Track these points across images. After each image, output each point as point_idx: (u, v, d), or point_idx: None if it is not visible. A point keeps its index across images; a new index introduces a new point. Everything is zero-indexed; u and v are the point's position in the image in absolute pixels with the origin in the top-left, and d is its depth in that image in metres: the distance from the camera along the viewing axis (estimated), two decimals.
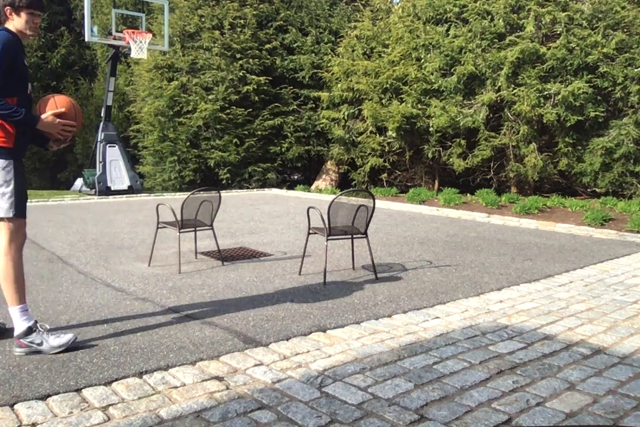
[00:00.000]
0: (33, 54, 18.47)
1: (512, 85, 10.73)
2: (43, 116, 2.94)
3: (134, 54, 11.67)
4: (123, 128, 17.03)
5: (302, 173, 16.94)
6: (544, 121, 10.56)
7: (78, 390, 2.56)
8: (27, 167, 19.06)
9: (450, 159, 11.79)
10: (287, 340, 3.25)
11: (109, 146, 12.27)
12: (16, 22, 2.95)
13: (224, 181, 14.04)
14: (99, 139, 12.27)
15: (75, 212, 8.92)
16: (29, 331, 2.93)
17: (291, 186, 14.61)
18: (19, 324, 2.94)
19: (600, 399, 2.54)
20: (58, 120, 2.98)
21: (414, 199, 10.53)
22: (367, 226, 4.72)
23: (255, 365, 2.89)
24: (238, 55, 13.93)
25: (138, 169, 15.19)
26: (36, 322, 2.99)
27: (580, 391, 2.63)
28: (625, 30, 10.39)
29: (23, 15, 2.94)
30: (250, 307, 3.86)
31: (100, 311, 3.74)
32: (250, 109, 14.00)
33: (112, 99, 12.56)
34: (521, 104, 10.45)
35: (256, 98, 14.01)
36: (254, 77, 13.88)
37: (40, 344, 2.94)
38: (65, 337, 2.99)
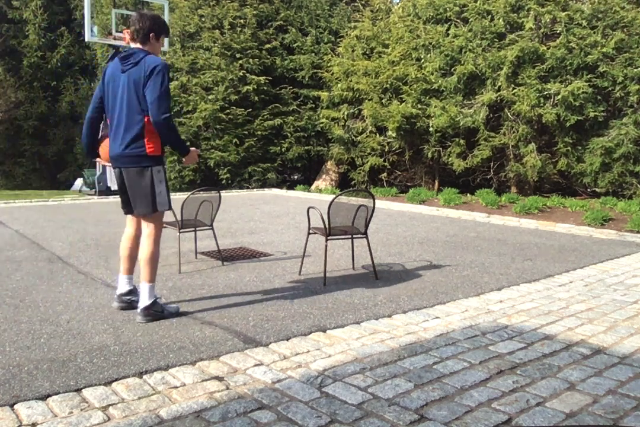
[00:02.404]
0: (33, 54, 18.48)
1: (512, 85, 10.73)
2: (192, 149, 3.65)
3: None
4: None
5: (302, 173, 16.94)
6: (544, 121, 10.56)
7: (78, 390, 2.56)
8: (27, 167, 19.12)
9: (450, 159, 11.79)
10: (287, 340, 3.25)
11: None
12: (155, 46, 3.51)
13: (224, 181, 14.04)
14: (99, 139, 12.25)
15: (75, 212, 8.91)
16: (155, 303, 3.55)
17: (291, 186, 14.62)
18: (148, 297, 3.51)
19: (600, 399, 2.54)
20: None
21: (414, 199, 10.54)
22: (367, 226, 4.72)
23: (255, 365, 2.88)
24: (238, 55, 13.93)
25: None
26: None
27: (580, 391, 2.63)
28: (624, 30, 10.39)
29: (160, 40, 3.52)
30: (250, 307, 3.86)
31: (100, 311, 3.74)
32: (250, 109, 14.00)
33: None
34: (521, 103, 10.46)
35: (256, 98, 14.01)
36: (253, 77, 13.88)
37: (162, 311, 3.56)
38: (175, 307, 3.71)
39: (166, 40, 12.57)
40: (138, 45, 3.45)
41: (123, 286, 3.74)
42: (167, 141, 3.47)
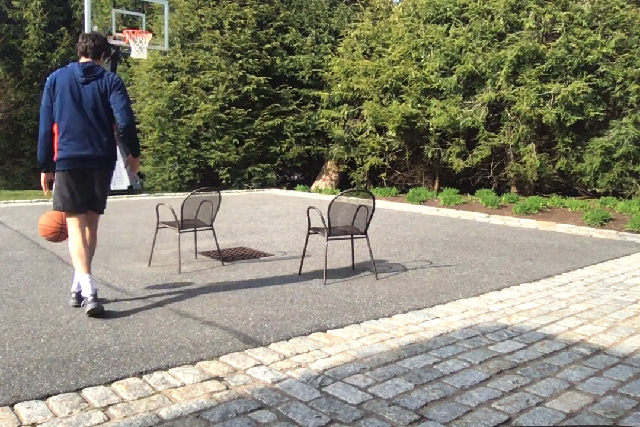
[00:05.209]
0: (33, 54, 18.47)
1: (512, 85, 10.73)
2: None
3: (134, 54, 11.67)
4: None
5: (302, 173, 16.94)
6: (544, 121, 10.56)
7: (78, 390, 2.56)
8: (27, 167, 19.11)
9: (450, 159, 11.79)
10: (287, 340, 3.25)
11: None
12: (102, 63, 3.83)
13: (223, 181, 14.04)
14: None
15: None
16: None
17: (291, 186, 14.61)
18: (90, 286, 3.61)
19: (600, 399, 2.54)
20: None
21: (414, 199, 10.54)
22: (367, 226, 4.72)
23: (255, 365, 2.88)
24: (238, 55, 13.92)
25: (138, 169, 15.18)
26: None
27: (580, 391, 2.63)
28: (624, 29, 10.39)
29: (104, 60, 3.89)
30: (250, 307, 3.86)
31: None
32: (250, 109, 14.00)
33: None
34: (521, 103, 10.45)
35: (256, 98, 14.01)
36: (253, 77, 13.88)
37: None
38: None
39: (166, 40, 12.57)
40: (89, 60, 3.73)
41: (93, 284, 3.65)
42: (131, 142, 3.81)
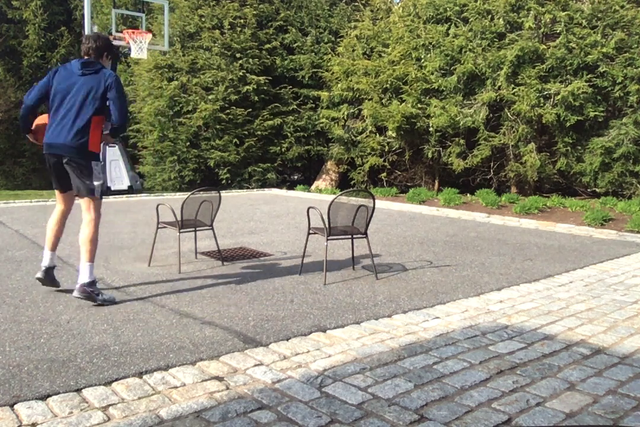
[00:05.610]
0: (33, 54, 18.46)
1: (512, 85, 10.73)
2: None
3: (134, 54, 11.66)
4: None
5: (302, 173, 16.93)
6: (544, 121, 10.56)
7: (78, 390, 2.56)
8: (27, 167, 19.10)
9: (450, 159, 11.79)
10: (287, 340, 3.25)
11: (109, 146, 12.25)
12: (106, 64, 3.99)
13: (223, 181, 14.04)
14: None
15: (74, 212, 8.89)
16: (93, 282, 3.86)
17: (291, 186, 14.61)
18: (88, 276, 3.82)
19: (600, 399, 2.54)
20: None
21: (414, 199, 10.54)
22: (367, 226, 4.72)
23: (255, 365, 2.89)
24: (238, 55, 13.92)
25: (138, 169, 15.18)
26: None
27: (580, 391, 2.63)
28: (624, 29, 10.39)
29: (108, 60, 4.05)
30: (250, 307, 3.87)
31: (100, 310, 3.74)
32: (250, 109, 13.99)
33: None
34: (521, 103, 10.45)
35: (256, 98, 14.00)
36: (253, 77, 13.87)
37: (99, 294, 3.82)
38: (111, 295, 3.94)
39: (166, 40, 12.57)
40: (91, 59, 3.94)
41: (49, 260, 4.14)
42: (116, 134, 4.11)
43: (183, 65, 14.20)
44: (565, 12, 10.55)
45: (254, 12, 14.26)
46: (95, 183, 3.92)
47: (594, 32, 10.34)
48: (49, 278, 4.15)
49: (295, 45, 14.67)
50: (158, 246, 5.64)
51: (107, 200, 10.94)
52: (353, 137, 13.20)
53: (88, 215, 3.97)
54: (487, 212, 9.05)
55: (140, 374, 2.74)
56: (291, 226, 7.68)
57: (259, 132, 14.04)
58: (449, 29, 11.87)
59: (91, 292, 3.80)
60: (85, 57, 3.91)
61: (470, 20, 11.44)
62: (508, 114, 11.01)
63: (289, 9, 15.04)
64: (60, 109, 3.86)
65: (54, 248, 4.16)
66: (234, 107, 13.79)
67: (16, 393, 2.50)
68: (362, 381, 2.70)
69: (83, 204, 3.99)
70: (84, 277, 3.81)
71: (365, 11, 14.34)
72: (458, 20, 11.76)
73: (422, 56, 12.02)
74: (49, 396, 2.49)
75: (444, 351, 3.11)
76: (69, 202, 4.20)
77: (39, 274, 4.13)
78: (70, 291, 4.07)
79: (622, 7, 10.39)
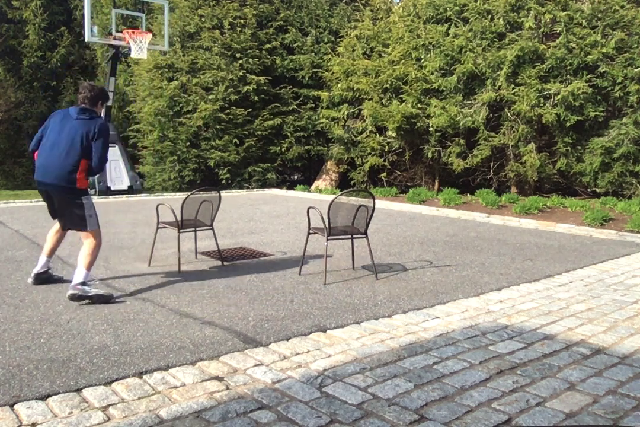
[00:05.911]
0: (33, 54, 18.46)
1: (512, 85, 10.73)
2: None
3: (134, 54, 11.66)
4: (123, 128, 17.01)
5: (302, 173, 16.93)
6: (544, 121, 10.56)
7: (78, 390, 2.56)
8: (27, 167, 19.10)
9: (450, 159, 11.79)
10: (287, 340, 3.25)
11: (109, 146, 12.24)
12: (99, 110, 4.33)
13: (223, 181, 14.03)
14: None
15: None
16: (85, 283, 3.99)
17: (291, 186, 14.61)
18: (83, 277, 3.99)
19: (600, 399, 2.54)
20: None
21: (414, 199, 10.53)
22: (367, 226, 4.72)
23: (255, 365, 2.89)
24: (238, 55, 13.92)
25: (138, 169, 15.18)
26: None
27: (580, 391, 2.63)
28: (624, 29, 10.39)
29: (102, 106, 4.39)
30: (250, 307, 3.87)
31: (100, 310, 3.75)
32: (250, 109, 13.99)
33: (112, 99, 12.55)
34: (521, 103, 10.45)
35: (256, 98, 14.00)
36: (253, 77, 13.87)
37: (89, 292, 3.92)
38: (108, 293, 4.04)
39: (166, 40, 12.57)
40: (87, 106, 4.25)
41: (41, 264, 4.39)
42: (91, 176, 4.33)
43: (183, 65, 14.20)
44: (565, 12, 10.54)
45: (254, 12, 14.26)
46: (88, 217, 4.14)
47: (594, 32, 10.34)
48: (40, 281, 4.38)
49: (295, 45, 14.67)
50: (158, 245, 5.64)
51: (107, 200, 10.94)
52: (353, 137, 13.20)
53: (87, 241, 4.15)
54: (487, 212, 9.05)
55: (140, 374, 2.74)
56: (291, 225, 7.67)
57: (259, 132, 14.04)
58: (449, 29, 11.87)
59: (82, 285, 3.93)
60: (82, 105, 4.23)
61: (470, 20, 11.44)
62: (508, 114, 11.01)
63: (289, 9, 15.04)
64: (49, 149, 4.10)
65: (50, 254, 4.37)
66: (234, 107, 13.79)
67: (16, 393, 2.50)
68: (362, 381, 2.70)
69: (82, 234, 4.16)
70: (77, 279, 3.95)
71: (365, 11, 14.34)
72: (458, 20, 11.76)
73: (422, 56, 12.02)
74: (49, 396, 2.50)
75: (444, 351, 3.11)
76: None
77: (30, 280, 4.38)
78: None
79: (622, 7, 10.39)
